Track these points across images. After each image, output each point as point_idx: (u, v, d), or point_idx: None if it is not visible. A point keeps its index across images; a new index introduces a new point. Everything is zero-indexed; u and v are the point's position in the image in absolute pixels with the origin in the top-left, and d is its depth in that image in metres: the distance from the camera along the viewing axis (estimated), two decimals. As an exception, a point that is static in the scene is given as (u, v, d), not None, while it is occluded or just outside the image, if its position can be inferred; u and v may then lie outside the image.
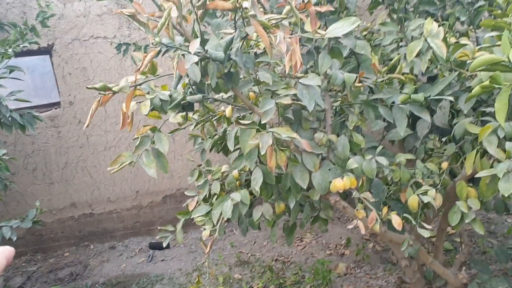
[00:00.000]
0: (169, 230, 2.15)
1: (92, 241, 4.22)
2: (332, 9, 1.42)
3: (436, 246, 2.49)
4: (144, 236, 4.25)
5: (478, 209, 1.59)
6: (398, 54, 1.78)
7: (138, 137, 1.54)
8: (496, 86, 1.04)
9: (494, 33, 1.38)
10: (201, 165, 2.07)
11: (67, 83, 3.98)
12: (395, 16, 2.14)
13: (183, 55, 1.37)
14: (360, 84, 1.63)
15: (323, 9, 1.40)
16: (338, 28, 1.21)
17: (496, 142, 1.46)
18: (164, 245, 2.09)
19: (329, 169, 1.68)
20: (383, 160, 1.61)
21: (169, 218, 4.25)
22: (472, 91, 1.11)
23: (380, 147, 1.70)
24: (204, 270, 3.39)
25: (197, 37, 1.42)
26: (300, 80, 1.55)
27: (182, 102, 1.57)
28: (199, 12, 1.31)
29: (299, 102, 1.47)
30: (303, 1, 1.44)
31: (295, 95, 1.54)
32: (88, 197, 4.13)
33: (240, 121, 1.39)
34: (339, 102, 1.93)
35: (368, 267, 3.21)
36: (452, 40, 1.96)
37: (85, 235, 4.21)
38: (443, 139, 2.05)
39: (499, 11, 1.38)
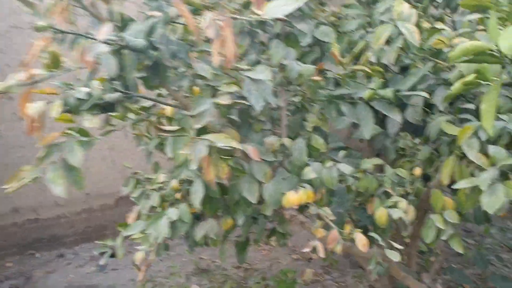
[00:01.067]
0: (108, 245, 1.89)
1: (38, 250, 3.89)
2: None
3: (409, 253, 2.29)
4: (96, 242, 3.95)
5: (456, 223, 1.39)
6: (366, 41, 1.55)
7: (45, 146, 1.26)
8: (483, 82, 0.81)
9: (474, 16, 1.15)
10: (138, 172, 1.79)
11: (5, 76, 3.61)
12: (362, -2, 1.90)
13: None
14: (319, 78, 1.39)
15: (268, -15, 1.14)
16: (280, 6, 0.96)
17: (477, 146, 1.24)
18: (102, 263, 1.84)
19: (284, 179, 1.44)
20: (345, 168, 1.38)
21: (123, 222, 3.95)
22: (452, 88, 0.88)
23: (343, 152, 1.47)
24: (159, 281, 3.14)
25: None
26: (246, 74, 1.29)
27: (101, 102, 1.29)
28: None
29: (242, 101, 1.21)
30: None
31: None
32: (32, 201, 3.79)
33: (164, 127, 1.12)
34: (299, 97, 1.68)
35: (337, 273, 3.02)
36: (426, 25, 1.74)
37: (31, 243, 3.88)
38: (417, 138, 1.84)
39: (482, -11, 1.16)
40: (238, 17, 0.95)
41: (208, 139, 1.13)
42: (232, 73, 1.38)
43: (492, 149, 1.21)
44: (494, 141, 1.26)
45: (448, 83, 1.34)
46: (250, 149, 1.29)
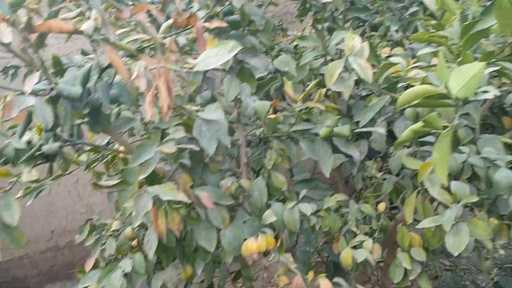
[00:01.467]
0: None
1: (1, 293, 3.70)
2: (224, 24, 1.11)
3: (383, 283, 2.24)
4: (64, 281, 3.78)
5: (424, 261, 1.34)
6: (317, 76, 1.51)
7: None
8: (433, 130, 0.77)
9: (429, 49, 1.12)
10: (93, 218, 1.69)
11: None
12: (320, 26, 1.86)
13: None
14: (275, 116, 1.33)
15: (213, 25, 1.08)
16: (212, 57, 0.90)
17: (439, 181, 1.20)
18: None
19: (244, 222, 1.38)
20: (307, 209, 1.31)
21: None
22: (402, 135, 0.83)
23: (304, 191, 1.40)
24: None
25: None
26: (198, 114, 1.23)
27: (39, 153, 1.21)
28: (33, 37, 0.95)
29: (191, 147, 1.14)
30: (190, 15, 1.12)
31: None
32: (-7, 242, 3.61)
33: (103, 183, 1.04)
34: (261, 130, 1.62)
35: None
36: (386, 51, 1.72)
37: (-8, 286, 3.68)
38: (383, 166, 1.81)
39: (434, 22, 1.13)
40: (170, 67, 0.88)
41: (153, 192, 1.05)
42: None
43: (454, 185, 1.17)
44: (456, 175, 1.23)
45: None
46: (204, 195, 1.22)
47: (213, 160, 1.41)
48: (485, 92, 0.79)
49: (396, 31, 1.69)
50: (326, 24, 1.95)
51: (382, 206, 1.44)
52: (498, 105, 1.48)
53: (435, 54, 1.12)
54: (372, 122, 1.44)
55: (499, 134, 1.52)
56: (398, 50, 1.69)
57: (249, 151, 1.64)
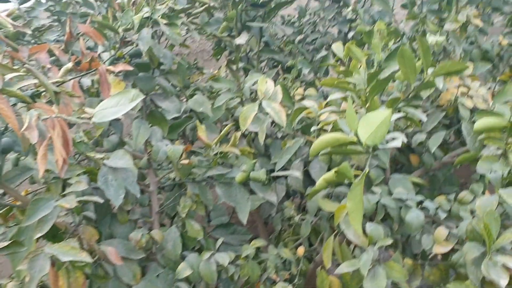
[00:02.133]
0: None
1: None
2: (130, 68, 1.06)
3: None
4: None
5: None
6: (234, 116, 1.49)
7: None
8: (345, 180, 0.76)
9: (339, 94, 1.15)
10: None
11: None
12: (235, 67, 1.87)
13: None
14: (188, 161, 1.28)
15: (117, 68, 1.02)
16: (111, 108, 0.84)
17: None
18: None
19: (157, 276, 1.29)
20: (224, 259, 1.26)
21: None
22: (316, 185, 0.82)
23: (221, 239, 1.36)
24: None
25: None
26: (104, 161, 1.15)
27: None
28: None
29: (93, 199, 1.06)
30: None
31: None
32: None
33: (-12, 247, 0.92)
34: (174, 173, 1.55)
35: None
36: (299, 91, 1.75)
37: None
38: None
39: (342, 68, 1.16)
40: (65, 117, 0.81)
41: (51, 252, 0.94)
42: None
43: (369, 227, 1.19)
44: (371, 216, 1.25)
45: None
46: (111, 251, 1.13)
47: (122, 210, 1.32)
48: (393, 139, 0.81)
49: (308, 72, 1.73)
50: (241, 65, 1.97)
51: (300, 251, 1.42)
52: (405, 145, 1.56)
53: (345, 98, 1.15)
54: (289, 162, 1.44)
55: (407, 171, 1.60)
56: (311, 90, 1.73)
57: (161, 197, 1.57)
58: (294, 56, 1.80)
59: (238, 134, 1.28)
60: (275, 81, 1.81)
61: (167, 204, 1.55)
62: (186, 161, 1.25)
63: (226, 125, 1.44)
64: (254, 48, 1.98)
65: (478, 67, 1.77)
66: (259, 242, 1.41)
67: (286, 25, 2.46)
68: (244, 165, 1.25)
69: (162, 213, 1.50)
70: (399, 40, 1.72)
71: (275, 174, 1.32)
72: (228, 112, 1.80)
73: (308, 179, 1.55)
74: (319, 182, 0.81)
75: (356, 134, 0.81)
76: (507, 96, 1.29)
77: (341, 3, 2.12)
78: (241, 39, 1.68)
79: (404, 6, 1.78)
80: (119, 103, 0.83)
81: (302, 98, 1.52)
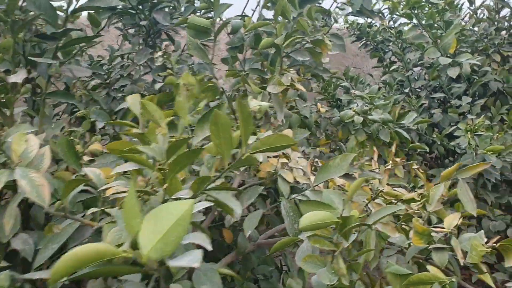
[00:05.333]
0: None
1: None
2: None
3: None
4: None
5: None
6: None
7: None
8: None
9: (130, 166, 0.85)
10: None
11: None
12: (8, 112, 1.43)
13: None
14: None
15: None
16: None
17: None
18: None
19: None
20: None
21: None
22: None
23: None
24: None
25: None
26: None
27: None
28: None
29: None
30: None
31: None
32: None
33: None
34: None
35: None
36: (98, 147, 1.41)
37: None
38: None
39: (136, 131, 0.87)
40: None
41: None
42: None
43: None
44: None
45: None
46: None
47: None
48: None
49: (104, 127, 1.39)
50: (20, 109, 1.53)
51: None
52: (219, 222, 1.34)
53: (140, 171, 0.86)
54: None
55: (219, 250, 1.38)
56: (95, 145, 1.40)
57: None
58: (87, 104, 1.45)
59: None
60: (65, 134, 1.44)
61: None
62: None
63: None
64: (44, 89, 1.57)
65: (297, 134, 1.68)
66: None
67: (94, 66, 2.10)
68: None
69: None
70: (218, 99, 1.52)
71: None
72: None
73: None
74: None
75: (135, 243, 0.52)
76: (329, 172, 1.16)
77: (157, 49, 1.87)
78: (17, 77, 1.28)
79: (224, 61, 1.60)
80: None
81: (92, 161, 1.17)
